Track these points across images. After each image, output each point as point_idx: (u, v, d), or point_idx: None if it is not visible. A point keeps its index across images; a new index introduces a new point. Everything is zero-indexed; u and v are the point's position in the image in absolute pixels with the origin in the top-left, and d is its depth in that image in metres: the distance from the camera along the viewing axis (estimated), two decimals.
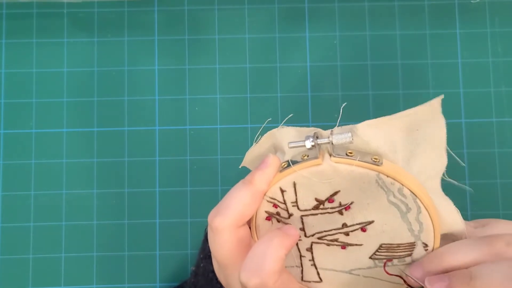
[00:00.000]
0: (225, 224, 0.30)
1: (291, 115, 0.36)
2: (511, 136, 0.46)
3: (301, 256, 0.34)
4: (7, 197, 0.46)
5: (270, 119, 0.36)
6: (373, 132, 0.31)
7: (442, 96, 0.32)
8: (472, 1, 0.47)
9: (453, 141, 0.46)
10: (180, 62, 0.47)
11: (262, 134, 0.34)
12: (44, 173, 0.46)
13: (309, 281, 0.35)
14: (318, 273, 0.34)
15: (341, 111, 0.34)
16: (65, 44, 0.47)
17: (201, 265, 0.36)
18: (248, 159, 0.36)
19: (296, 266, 0.34)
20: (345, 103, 0.38)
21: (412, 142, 0.32)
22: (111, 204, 0.46)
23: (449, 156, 0.34)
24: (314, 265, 0.34)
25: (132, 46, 0.47)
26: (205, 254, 0.36)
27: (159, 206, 0.46)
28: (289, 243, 0.31)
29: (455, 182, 0.33)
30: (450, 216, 0.32)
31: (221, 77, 0.47)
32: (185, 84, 0.47)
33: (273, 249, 0.29)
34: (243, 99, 0.47)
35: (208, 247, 0.35)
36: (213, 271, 0.35)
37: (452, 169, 0.46)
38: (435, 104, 0.32)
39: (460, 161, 0.34)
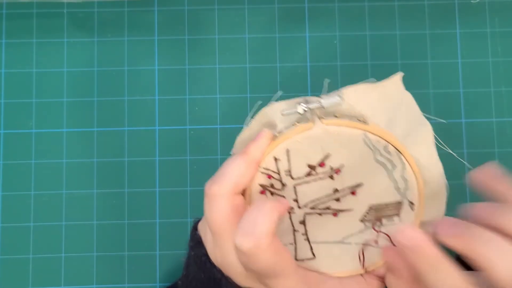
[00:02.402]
0: (221, 191, 0.32)
1: (280, 92, 0.37)
2: (511, 136, 0.46)
3: (294, 231, 0.35)
4: (7, 197, 0.46)
5: (260, 102, 0.37)
6: (356, 97, 0.33)
7: (402, 74, 0.35)
8: (472, 1, 0.48)
9: (453, 141, 0.46)
10: (180, 62, 0.47)
11: (252, 118, 0.36)
12: (44, 173, 0.46)
13: (303, 260, 0.35)
14: (311, 248, 0.35)
15: (326, 85, 0.36)
16: (65, 44, 0.47)
17: (192, 253, 0.36)
18: (239, 145, 0.37)
19: (290, 243, 0.35)
20: (328, 80, 0.38)
21: (388, 112, 0.34)
22: (111, 204, 0.46)
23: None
24: (307, 239, 0.35)
25: (132, 46, 0.47)
26: (195, 241, 0.36)
27: (159, 206, 0.46)
28: (281, 207, 0.31)
29: (451, 151, 0.36)
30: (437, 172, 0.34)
31: (221, 77, 0.47)
32: (185, 84, 0.47)
33: (265, 212, 0.30)
34: (243, 99, 0.47)
35: (197, 235, 0.35)
36: (205, 255, 0.34)
37: (452, 169, 0.46)
38: (397, 80, 0.35)
39: (440, 120, 0.36)
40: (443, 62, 0.47)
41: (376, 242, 0.34)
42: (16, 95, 0.47)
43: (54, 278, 0.45)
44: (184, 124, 0.46)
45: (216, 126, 0.46)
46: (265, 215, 0.30)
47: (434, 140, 0.34)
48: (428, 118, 0.35)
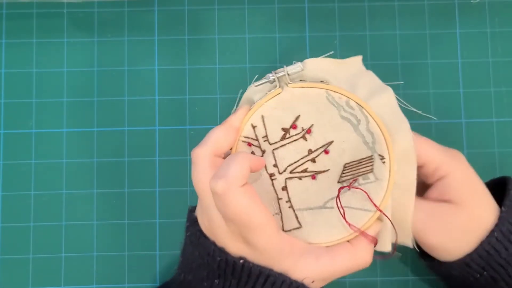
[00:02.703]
0: (202, 152, 0.35)
1: (257, 75, 0.41)
2: (511, 136, 0.46)
3: (278, 199, 0.37)
4: (7, 197, 0.46)
5: (242, 90, 0.40)
6: (318, 66, 0.37)
7: (361, 56, 0.39)
8: (472, 1, 0.48)
9: (453, 141, 0.46)
10: (180, 62, 0.47)
11: (238, 106, 0.39)
12: (44, 173, 0.46)
13: (290, 230, 0.37)
14: (296, 217, 0.37)
15: (293, 63, 0.38)
16: (65, 44, 0.47)
17: (188, 234, 0.38)
18: None
19: (276, 213, 0.37)
20: (295, 61, 0.40)
21: (349, 81, 0.38)
22: (111, 204, 0.46)
23: None
24: (292, 207, 0.37)
25: (132, 46, 0.47)
26: (191, 221, 0.37)
27: (159, 206, 0.46)
28: (253, 158, 0.35)
29: (413, 109, 0.39)
30: (401, 134, 0.36)
31: (221, 77, 0.47)
32: (185, 84, 0.47)
33: (238, 159, 0.33)
34: None
35: (193, 215, 0.37)
36: (200, 230, 0.36)
37: None
38: (358, 60, 0.38)
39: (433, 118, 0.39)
40: (443, 62, 0.47)
41: (348, 187, 0.37)
42: (16, 95, 0.47)
43: (54, 278, 0.45)
44: (184, 124, 0.47)
45: None
46: (237, 161, 0.33)
47: (396, 101, 0.37)
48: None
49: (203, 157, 0.35)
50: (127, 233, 0.45)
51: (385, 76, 0.47)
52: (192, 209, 0.39)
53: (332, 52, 0.38)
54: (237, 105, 0.39)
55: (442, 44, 0.47)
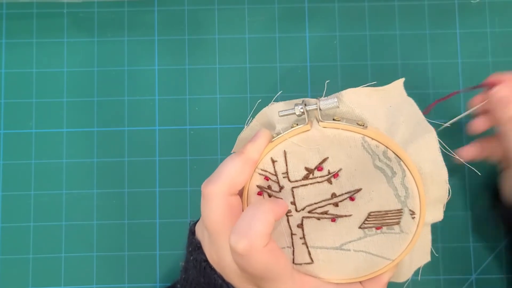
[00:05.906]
0: (216, 191, 0.31)
1: (281, 91, 0.37)
2: None
3: (292, 234, 0.34)
4: (7, 197, 0.46)
5: (260, 100, 0.38)
6: (356, 99, 0.33)
7: (403, 79, 0.34)
8: (472, 1, 0.48)
9: (453, 140, 0.46)
10: (180, 62, 0.47)
11: (253, 117, 0.35)
12: (44, 173, 0.46)
13: (301, 264, 0.35)
14: (309, 253, 0.35)
15: (325, 85, 0.35)
16: (65, 44, 0.47)
17: (191, 258, 0.35)
18: (239, 145, 0.37)
19: (288, 246, 0.35)
20: (328, 81, 0.38)
21: (389, 116, 0.33)
22: (111, 204, 0.46)
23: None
24: (305, 243, 0.34)
25: (132, 46, 0.47)
26: (194, 246, 0.35)
27: (159, 206, 0.46)
28: (278, 208, 0.31)
29: (456, 156, 0.35)
30: (440, 184, 0.33)
31: (221, 77, 0.47)
32: (185, 84, 0.47)
33: (262, 212, 0.30)
34: (243, 99, 0.47)
35: (195, 240, 0.35)
36: (205, 260, 0.34)
37: (452, 168, 0.46)
38: (399, 85, 0.34)
39: (441, 123, 0.37)
40: (443, 62, 0.47)
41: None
42: (16, 95, 0.47)
43: (54, 278, 0.45)
44: (184, 124, 0.47)
45: (216, 126, 0.46)
46: (261, 216, 0.30)
47: (438, 146, 0.32)
48: (429, 122, 0.34)
49: (216, 196, 0.31)
50: (127, 233, 0.45)
51: (385, 76, 0.47)
52: (192, 227, 0.36)
53: (375, 82, 0.34)
54: (252, 117, 0.35)
55: (442, 44, 0.47)
